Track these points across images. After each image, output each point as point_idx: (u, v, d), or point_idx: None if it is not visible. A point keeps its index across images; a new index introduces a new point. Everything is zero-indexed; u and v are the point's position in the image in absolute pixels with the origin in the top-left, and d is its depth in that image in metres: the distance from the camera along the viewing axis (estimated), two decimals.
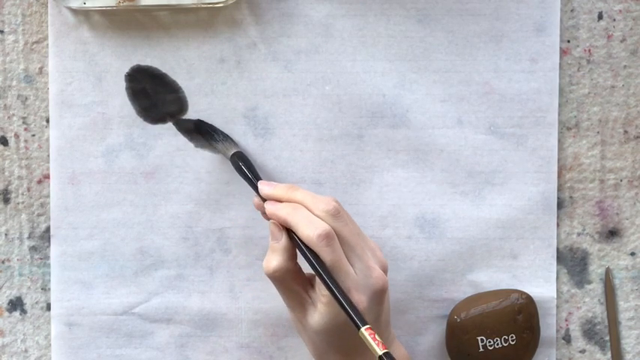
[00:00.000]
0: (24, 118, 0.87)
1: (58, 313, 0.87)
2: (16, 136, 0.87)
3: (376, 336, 0.72)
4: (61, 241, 0.87)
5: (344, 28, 0.86)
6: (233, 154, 0.84)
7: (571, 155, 0.87)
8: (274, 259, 0.78)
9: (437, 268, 0.87)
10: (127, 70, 0.86)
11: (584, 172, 0.87)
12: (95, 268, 0.87)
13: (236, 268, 0.87)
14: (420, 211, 0.87)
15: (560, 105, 0.87)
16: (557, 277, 0.88)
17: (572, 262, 0.88)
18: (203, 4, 0.85)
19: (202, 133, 0.86)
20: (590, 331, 0.88)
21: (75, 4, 0.85)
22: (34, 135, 0.87)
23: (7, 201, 0.87)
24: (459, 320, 0.85)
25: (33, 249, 0.88)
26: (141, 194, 0.87)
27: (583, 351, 0.88)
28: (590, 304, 0.88)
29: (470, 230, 0.87)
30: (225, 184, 0.87)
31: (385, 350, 0.71)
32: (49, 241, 0.87)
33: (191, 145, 0.87)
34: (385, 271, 0.79)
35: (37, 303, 0.88)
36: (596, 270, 0.88)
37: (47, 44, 0.86)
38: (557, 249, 0.88)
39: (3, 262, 0.88)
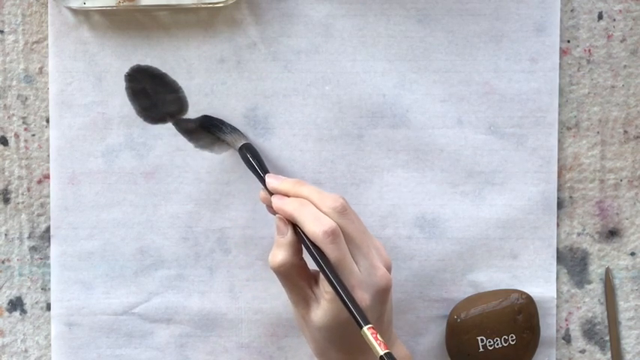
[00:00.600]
0: (24, 118, 0.87)
1: (58, 313, 0.87)
2: (16, 136, 0.87)
3: (378, 335, 0.71)
4: (61, 241, 0.87)
5: (344, 28, 0.86)
6: (241, 146, 0.84)
7: (571, 155, 0.87)
8: (280, 254, 0.78)
9: (437, 268, 0.87)
10: (126, 70, 0.86)
11: (584, 172, 0.87)
12: (95, 268, 0.87)
13: (236, 268, 0.87)
14: (420, 211, 0.87)
15: (560, 105, 0.87)
16: (557, 277, 0.88)
17: (572, 262, 0.88)
18: (203, 4, 0.85)
19: (209, 127, 0.86)
20: (590, 331, 0.88)
21: (75, 4, 0.85)
22: (34, 135, 0.87)
23: (7, 201, 0.87)
24: (459, 320, 0.85)
25: (33, 249, 0.88)
26: (141, 194, 0.87)
27: (583, 351, 0.88)
28: (590, 304, 0.88)
29: (470, 230, 0.87)
30: (225, 184, 0.87)
31: (387, 350, 0.71)
32: (49, 241, 0.87)
33: (191, 145, 0.87)
34: (389, 270, 0.79)
35: (37, 303, 0.88)
36: (596, 270, 0.88)
37: (47, 44, 0.86)
38: (557, 249, 0.88)
39: (3, 262, 0.88)
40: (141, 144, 0.87)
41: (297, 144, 0.86)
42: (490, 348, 0.85)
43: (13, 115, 0.87)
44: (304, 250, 0.78)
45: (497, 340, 0.85)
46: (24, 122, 0.87)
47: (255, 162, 0.83)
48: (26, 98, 0.87)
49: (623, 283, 0.88)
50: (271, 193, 0.80)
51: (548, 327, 0.88)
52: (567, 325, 0.88)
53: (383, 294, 0.77)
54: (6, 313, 0.88)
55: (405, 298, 0.87)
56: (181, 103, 0.86)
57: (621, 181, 0.88)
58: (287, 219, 0.78)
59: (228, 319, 0.88)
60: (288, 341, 0.88)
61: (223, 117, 0.86)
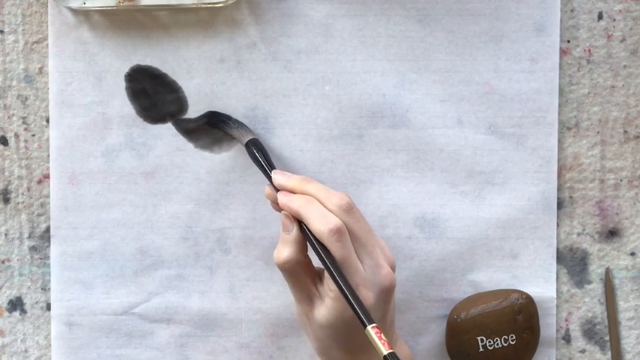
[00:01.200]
0: (24, 118, 0.87)
1: (58, 313, 0.87)
2: (16, 136, 0.87)
3: (382, 335, 0.71)
4: (61, 241, 0.87)
5: (344, 28, 0.86)
6: (248, 141, 0.84)
7: (571, 155, 0.87)
8: (285, 251, 0.78)
9: (437, 268, 0.87)
10: (127, 70, 0.86)
11: (584, 172, 0.87)
12: (95, 268, 0.87)
13: (236, 268, 0.87)
14: (420, 211, 0.87)
15: (560, 105, 0.87)
16: (557, 277, 0.88)
17: (572, 262, 0.88)
18: (203, 4, 0.85)
19: (216, 122, 0.86)
20: (590, 331, 0.88)
21: (75, 4, 0.85)
22: (34, 135, 0.87)
23: (7, 201, 0.87)
24: (459, 320, 0.85)
25: (33, 249, 0.88)
26: (141, 194, 0.87)
27: (583, 351, 0.88)
28: (590, 304, 0.88)
29: (470, 230, 0.87)
30: (225, 184, 0.87)
31: (390, 350, 0.70)
32: (49, 241, 0.87)
33: (191, 145, 0.87)
34: (393, 269, 0.79)
35: (37, 303, 0.88)
36: (596, 270, 0.88)
37: (47, 44, 0.86)
38: (557, 249, 0.88)
39: (3, 262, 0.88)
40: (141, 144, 0.87)
41: (297, 144, 0.86)
42: (490, 348, 0.85)
43: (13, 115, 0.87)
44: (309, 248, 0.78)
45: (497, 340, 0.85)
46: (24, 122, 0.87)
47: (262, 157, 0.83)
48: (26, 98, 0.87)
49: (623, 283, 0.88)
50: (277, 190, 0.80)
51: (548, 327, 0.88)
52: (567, 325, 0.88)
53: (387, 293, 0.77)
54: (6, 313, 0.88)
55: (405, 298, 0.87)
56: (181, 103, 0.86)
57: (621, 181, 0.88)
58: (293, 216, 0.78)
59: (228, 319, 0.88)
60: (288, 341, 0.88)
61: None
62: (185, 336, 0.88)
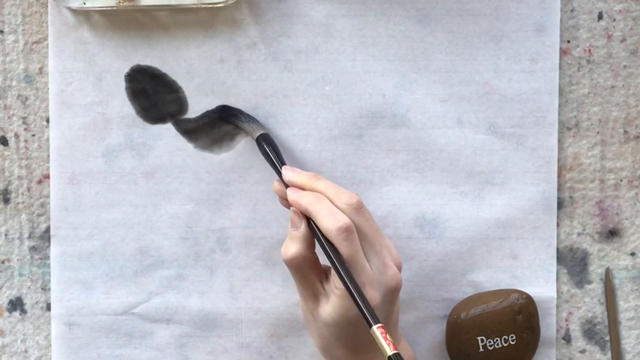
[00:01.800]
0: (24, 118, 0.87)
1: (58, 313, 0.87)
2: (16, 136, 0.87)
3: (387, 335, 0.71)
4: (61, 241, 0.87)
5: (344, 28, 0.86)
6: (259, 136, 0.84)
7: (571, 155, 0.87)
8: (292, 247, 0.77)
9: (437, 268, 0.87)
10: (126, 70, 0.86)
11: (584, 172, 0.87)
12: (95, 268, 0.87)
13: (236, 268, 0.87)
14: (420, 211, 0.87)
15: (560, 105, 0.87)
16: (557, 277, 0.88)
17: (572, 262, 0.88)
18: (203, 4, 0.85)
19: (227, 117, 0.85)
20: (590, 331, 0.88)
21: (75, 4, 0.85)
22: (34, 135, 0.87)
23: (7, 201, 0.87)
24: (459, 320, 0.85)
25: (33, 249, 0.88)
26: (141, 194, 0.87)
27: (583, 351, 0.88)
28: (590, 304, 0.88)
29: (470, 230, 0.87)
30: (225, 184, 0.87)
31: (395, 351, 0.70)
32: (49, 241, 0.87)
33: (191, 145, 0.87)
34: (400, 269, 0.78)
35: (37, 303, 0.88)
36: (596, 270, 0.88)
37: (47, 44, 0.86)
38: (557, 249, 0.88)
39: (3, 262, 0.88)
40: (141, 144, 0.87)
41: (297, 144, 0.86)
42: (490, 348, 0.85)
43: (13, 115, 0.87)
44: (317, 245, 0.78)
45: (497, 340, 0.85)
46: (24, 122, 0.87)
47: (273, 153, 0.82)
48: (26, 98, 0.87)
49: (623, 283, 0.88)
50: (287, 186, 0.80)
51: (548, 327, 0.88)
52: (567, 325, 0.88)
53: (393, 293, 0.77)
54: (6, 313, 0.88)
55: (405, 298, 0.87)
56: (181, 103, 0.86)
57: (621, 181, 0.88)
58: (302, 212, 0.78)
59: (228, 319, 0.88)
60: (288, 341, 0.88)
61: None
62: (185, 336, 0.88)
